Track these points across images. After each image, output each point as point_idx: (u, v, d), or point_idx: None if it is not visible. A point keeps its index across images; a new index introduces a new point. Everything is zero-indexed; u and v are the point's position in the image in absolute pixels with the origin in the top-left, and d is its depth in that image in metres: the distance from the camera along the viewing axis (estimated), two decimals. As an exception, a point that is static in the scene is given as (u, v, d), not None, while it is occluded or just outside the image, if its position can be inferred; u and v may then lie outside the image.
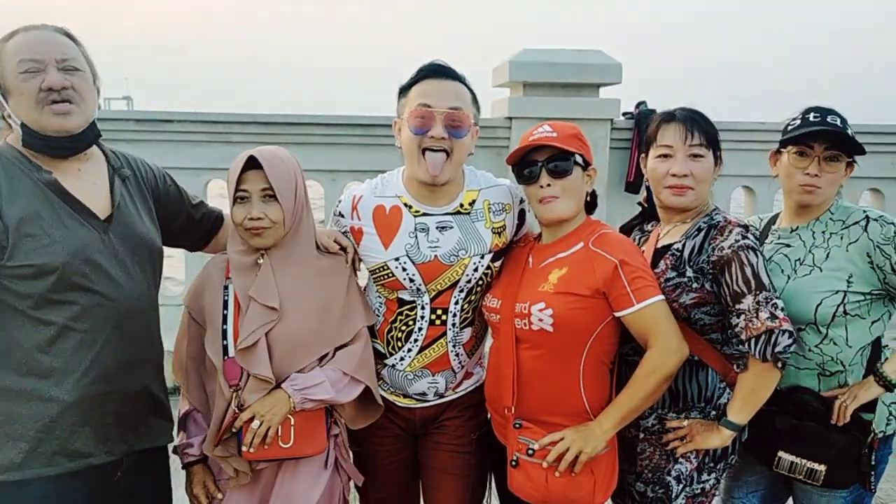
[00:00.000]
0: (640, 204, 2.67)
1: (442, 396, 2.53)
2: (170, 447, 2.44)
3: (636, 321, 2.20)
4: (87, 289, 2.07)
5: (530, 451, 2.23)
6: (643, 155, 2.51)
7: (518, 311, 2.27)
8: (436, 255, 2.39)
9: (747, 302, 2.16)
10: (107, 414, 2.15)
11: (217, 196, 4.28)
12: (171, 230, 2.47)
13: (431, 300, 2.43)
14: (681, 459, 2.32)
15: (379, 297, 2.51)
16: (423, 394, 2.51)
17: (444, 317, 2.44)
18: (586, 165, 2.34)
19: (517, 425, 2.27)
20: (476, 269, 2.42)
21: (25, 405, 2.04)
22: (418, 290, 2.42)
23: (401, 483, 2.64)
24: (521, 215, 2.57)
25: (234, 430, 2.23)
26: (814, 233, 2.46)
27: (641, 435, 2.37)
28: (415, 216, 2.42)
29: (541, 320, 2.22)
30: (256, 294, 2.27)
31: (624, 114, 5.58)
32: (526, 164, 2.33)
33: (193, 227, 2.58)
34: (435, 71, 2.38)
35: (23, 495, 2.06)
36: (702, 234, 2.32)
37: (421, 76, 2.38)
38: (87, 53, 2.18)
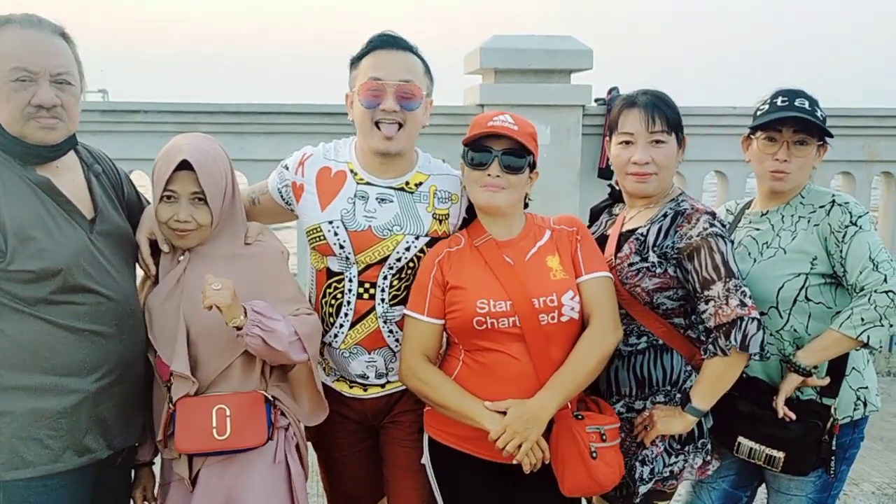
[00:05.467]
0: (610, 185, 2.67)
1: (387, 381, 2.48)
2: None
3: (584, 291, 2.26)
4: (88, 289, 2.07)
5: (604, 437, 2.18)
6: (607, 139, 2.50)
7: (542, 306, 2.20)
8: (370, 226, 2.36)
9: (717, 289, 2.17)
10: (111, 409, 2.16)
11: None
12: None
13: (359, 272, 2.40)
14: (647, 444, 2.33)
15: (311, 269, 2.51)
16: (364, 375, 2.46)
17: (371, 291, 2.40)
18: (532, 168, 2.31)
19: (579, 416, 2.21)
20: (408, 249, 2.38)
21: (35, 403, 2.03)
22: (347, 258, 2.39)
23: (362, 474, 2.63)
24: (471, 208, 2.49)
25: (171, 406, 2.20)
26: (783, 217, 2.46)
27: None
28: (357, 183, 2.40)
29: (572, 309, 2.22)
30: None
31: (596, 100, 5.58)
32: (479, 149, 2.25)
33: None
34: (385, 42, 2.35)
35: (26, 492, 2.04)
36: (668, 219, 2.33)
37: (371, 47, 2.36)
38: (78, 54, 2.11)
